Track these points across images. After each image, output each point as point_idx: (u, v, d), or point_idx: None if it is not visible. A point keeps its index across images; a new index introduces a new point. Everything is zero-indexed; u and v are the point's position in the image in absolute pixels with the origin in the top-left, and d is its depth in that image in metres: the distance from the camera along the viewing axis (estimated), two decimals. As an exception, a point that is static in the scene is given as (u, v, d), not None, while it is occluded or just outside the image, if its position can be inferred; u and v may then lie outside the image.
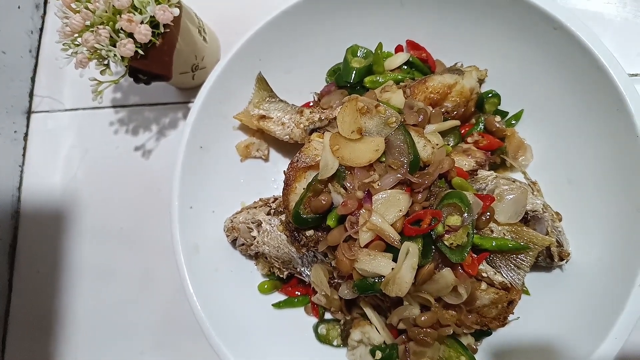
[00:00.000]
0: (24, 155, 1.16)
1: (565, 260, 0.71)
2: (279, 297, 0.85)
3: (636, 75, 0.82)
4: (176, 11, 0.82)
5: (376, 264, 0.63)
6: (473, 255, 0.65)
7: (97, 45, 0.79)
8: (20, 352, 1.06)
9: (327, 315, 0.83)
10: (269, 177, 0.92)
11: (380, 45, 0.81)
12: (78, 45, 0.84)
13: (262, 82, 0.87)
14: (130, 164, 1.07)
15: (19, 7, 1.14)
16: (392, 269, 0.62)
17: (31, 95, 1.18)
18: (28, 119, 1.17)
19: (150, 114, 1.07)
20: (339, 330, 0.80)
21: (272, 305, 0.83)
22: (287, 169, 0.71)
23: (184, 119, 1.05)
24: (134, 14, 0.80)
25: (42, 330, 1.05)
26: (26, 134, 1.16)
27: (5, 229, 1.11)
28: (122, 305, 1.02)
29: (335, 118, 0.78)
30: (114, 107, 1.10)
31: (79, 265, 1.06)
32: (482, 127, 0.79)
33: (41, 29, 1.20)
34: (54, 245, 1.08)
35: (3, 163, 1.11)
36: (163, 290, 1.00)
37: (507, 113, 0.81)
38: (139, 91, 1.09)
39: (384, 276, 0.62)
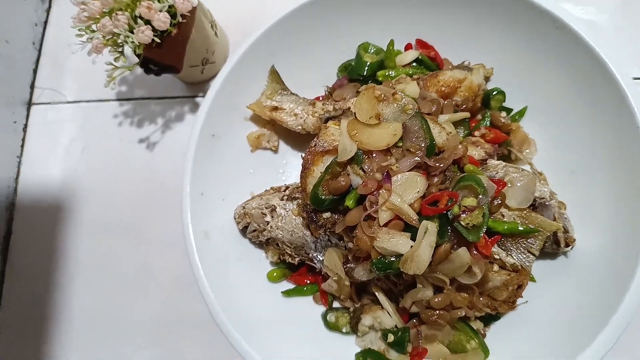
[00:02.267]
0: (22, 146, 1.14)
1: (570, 246, 0.74)
2: (288, 285, 0.85)
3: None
4: (195, 1, 0.84)
5: (395, 242, 0.64)
6: (486, 237, 0.68)
7: (116, 30, 0.80)
8: (12, 347, 1.02)
9: (336, 304, 0.84)
10: (278, 168, 0.93)
11: (392, 42, 0.85)
12: (93, 31, 0.85)
13: (274, 75, 0.89)
14: (133, 157, 1.06)
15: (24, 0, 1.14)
16: (411, 247, 0.64)
17: (32, 86, 1.17)
18: (28, 110, 1.15)
19: (156, 108, 1.08)
20: (348, 317, 0.81)
21: (282, 292, 0.83)
22: (305, 153, 0.73)
23: (191, 113, 1.06)
24: (153, 2, 0.81)
25: (35, 324, 1.02)
26: (25, 125, 1.15)
27: (0, 219, 1.08)
28: (119, 299, 1.00)
29: (348, 109, 0.81)
30: (118, 100, 1.10)
31: (76, 259, 1.04)
32: (488, 122, 0.83)
33: (45, 22, 1.20)
34: (50, 238, 1.06)
35: (0, 153, 1.09)
36: (161, 284, 0.99)
37: (511, 110, 0.85)
38: (145, 85, 1.09)
39: (401, 255, 0.64)
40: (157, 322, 0.97)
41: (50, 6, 1.21)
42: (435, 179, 0.68)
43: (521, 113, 0.84)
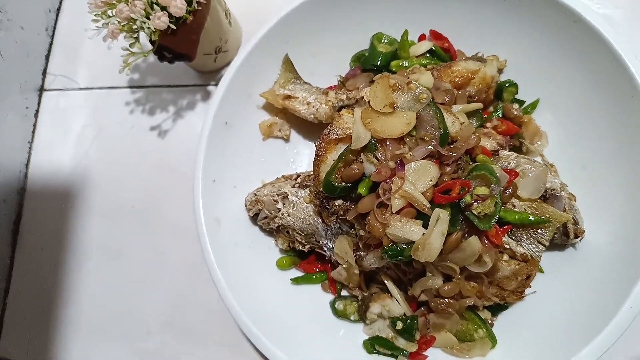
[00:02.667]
0: (33, 132, 1.15)
1: (580, 238, 0.74)
2: (297, 273, 0.86)
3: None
4: (211, -12, 0.84)
5: (407, 229, 0.65)
6: (497, 226, 0.68)
7: (133, 16, 0.81)
8: (19, 331, 1.04)
9: (344, 293, 0.85)
10: (289, 157, 0.94)
11: (406, 32, 0.86)
12: (109, 17, 0.86)
13: (288, 64, 0.89)
14: (144, 143, 1.07)
15: (39, -15, 1.15)
16: (423, 234, 0.64)
17: (44, 73, 1.18)
18: (40, 96, 1.16)
19: (168, 96, 1.09)
20: (357, 305, 0.81)
21: (291, 280, 0.84)
22: (319, 141, 0.74)
23: (202, 102, 1.07)
24: (170, -12, 0.82)
25: (44, 309, 1.03)
26: (37, 111, 1.16)
27: (11, 204, 1.09)
28: (129, 285, 1.01)
29: (361, 98, 0.82)
30: (131, 87, 1.11)
31: (86, 244, 1.05)
32: (501, 114, 0.83)
33: (58, 9, 1.21)
34: (61, 224, 1.07)
35: (12, 139, 1.11)
36: (172, 270, 1.00)
37: (523, 102, 0.85)
38: (157, 72, 1.10)
39: (413, 242, 0.65)
40: (168, 306, 0.98)
41: (64, -7, 1.22)
42: (448, 168, 0.68)
43: (533, 105, 0.85)
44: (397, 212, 0.66)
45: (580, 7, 0.74)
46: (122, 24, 0.84)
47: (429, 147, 0.68)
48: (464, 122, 0.72)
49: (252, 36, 0.87)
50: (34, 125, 1.15)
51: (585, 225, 0.76)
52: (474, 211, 0.65)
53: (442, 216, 0.64)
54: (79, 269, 1.04)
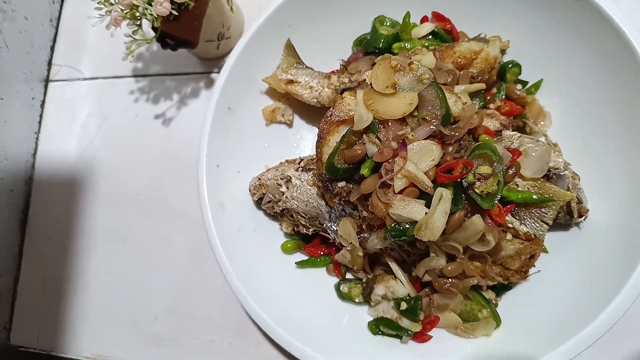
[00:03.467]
0: (40, 122, 1.16)
1: (584, 217, 0.74)
2: (302, 257, 0.87)
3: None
4: (213, -27, 0.84)
5: (410, 209, 0.65)
6: (500, 206, 0.68)
7: (135, 2, 0.81)
8: (29, 317, 1.05)
9: (348, 276, 0.85)
10: (292, 142, 0.94)
11: (408, 14, 0.85)
12: (112, 4, 0.86)
13: (290, 49, 0.89)
14: (149, 131, 1.08)
15: (42, -24, 1.16)
16: (425, 213, 0.64)
17: (50, 63, 1.18)
18: (46, 87, 1.17)
19: (171, 84, 1.09)
20: (361, 288, 0.82)
21: (295, 263, 0.85)
22: (321, 123, 0.74)
23: (206, 89, 1.07)
24: (172, -26, 0.82)
25: (53, 296, 1.05)
26: (43, 102, 1.17)
27: (19, 194, 1.11)
28: (135, 271, 1.02)
29: (364, 81, 0.82)
30: (134, 76, 1.12)
31: (93, 231, 1.06)
32: (504, 94, 0.83)
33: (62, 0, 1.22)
34: (68, 212, 1.09)
35: (19, 129, 1.12)
36: (177, 256, 1.01)
37: (527, 82, 0.85)
38: (161, 61, 1.11)
39: (416, 222, 0.65)
40: (174, 292, 0.99)
41: (67, -17, 1.22)
42: (450, 148, 0.68)
43: (537, 86, 0.84)
44: (400, 192, 0.66)
45: (583, -16, 0.73)
46: (124, 11, 0.85)
47: (431, 127, 0.68)
48: (466, 102, 0.72)
49: (254, 22, 0.87)
50: (40, 115, 1.16)
51: (589, 204, 0.76)
52: (476, 190, 0.65)
53: (444, 195, 0.64)
54: (86, 256, 1.05)
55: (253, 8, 1.07)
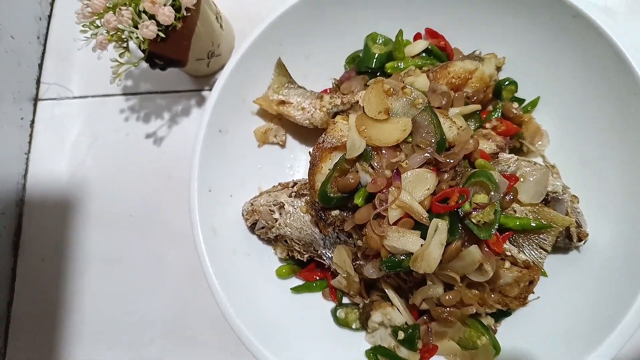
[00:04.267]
0: (30, 142, 1.14)
1: (583, 241, 0.72)
2: (297, 281, 0.85)
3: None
4: (199, -6, 0.82)
5: (405, 240, 0.63)
6: (497, 234, 0.67)
7: (120, 26, 0.79)
8: (24, 341, 1.04)
9: (345, 300, 0.84)
10: (286, 163, 0.92)
11: (400, 32, 0.83)
12: (97, 27, 0.84)
13: (281, 68, 0.87)
14: (140, 151, 1.06)
15: (28, -7, 1.13)
16: (421, 245, 0.63)
17: (38, 82, 1.16)
18: (35, 106, 1.15)
19: (162, 102, 1.07)
20: (358, 313, 0.81)
21: (291, 289, 0.83)
22: (313, 150, 0.72)
23: (197, 107, 1.05)
24: (157, -4, 0.80)
25: (47, 319, 1.03)
26: (32, 121, 1.15)
27: (10, 216, 1.09)
28: (130, 293, 1.01)
29: (357, 102, 0.80)
30: (124, 94, 1.10)
31: (86, 253, 1.05)
32: (500, 113, 0.81)
33: (49, 16, 1.19)
34: (60, 233, 1.07)
35: (9, 150, 1.10)
36: (172, 278, 1.00)
37: (523, 100, 0.83)
38: (151, 79, 1.09)
39: (412, 253, 0.63)
40: (169, 314, 0.98)
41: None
42: (446, 175, 0.67)
43: (533, 104, 0.82)
44: (395, 223, 0.64)
45: (579, 1, 0.71)
46: (110, 34, 0.83)
47: (426, 154, 0.66)
48: (461, 126, 0.70)
49: (244, 40, 0.85)
50: (30, 135, 1.14)
51: (589, 226, 0.74)
52: (473, 220, 0.64)
53: (440, 226, 0.62)
54: (80, 278, 1.04)
55: (243, 22, 1.06)
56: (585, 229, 0.72)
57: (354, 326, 0.80)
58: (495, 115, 0.80)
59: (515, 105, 0.81)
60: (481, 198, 0.64)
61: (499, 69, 0.82)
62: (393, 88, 0.69)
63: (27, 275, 1.08)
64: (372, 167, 0.67)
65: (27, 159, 1.14)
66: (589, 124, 0.77)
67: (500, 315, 0.75)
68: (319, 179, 0.71)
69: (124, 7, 0.79)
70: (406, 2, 0.84)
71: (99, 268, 1.03)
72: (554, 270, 0.75)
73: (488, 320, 0.75)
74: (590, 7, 0.71)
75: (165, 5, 0.80)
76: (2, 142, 1.08)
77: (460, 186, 0.66)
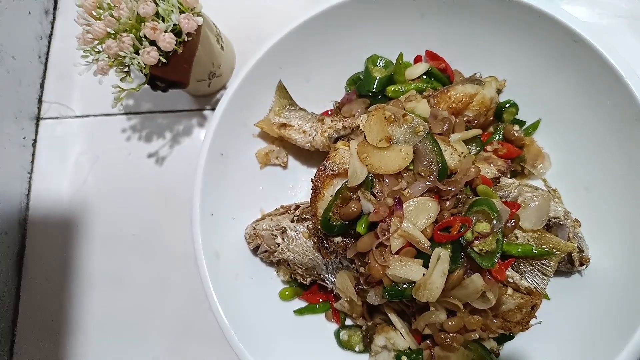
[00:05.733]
0: (32, 162, 1.14)
1: (585, 265, 0.73)
2: (300, 303, 0.85)
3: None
4: (200, 20, 0.82)
5: (407, 269, 0.64)
6: (500, 261, 0.67)
7: (121, 53, 0.80)
8: (29, 361, 1.05)
9: (348, 322, 0.84)
10: (287, 184, 0.93)
11: (401, 55, 0.83)
12: (98, 52, 0.84)
13: (282, 91, 0.88)
14: (142, 170, 1.06)
15: (29, 13, 1.13)
16: (424, 274, 0.63)
17: (40, 101, 1.16)
18: (37, 125, 1.16)
19: (163, 121, 1.07)
20: (361, 336, 0.81)
21: (294, 311, 0.84)
22: (315, 177, 0.72)
23: (199, 127, 1.06)
24: (158, 22, 0.80)
25: (51, 339, 1.04)
26: (35, 141, 1.15)
27: (13, 236, 1.09)
28: (134, 313, 1.01)
29: (358, 126, 0.80)
30: (126, 114, 1.10)
31: (90, 273, 1.05)
32: (501, 136, 0.81)
33: (50, 35, 1.20)
34: (63, 253, 1.07)
35: (11, 169, 1.10)
36: (176, 297, 1.00)
37: (524, 122, 0.83)
38: (152, 98, 1.09)
39: (414, 282, 0.64)
40: (173, 334, 0.98)
41: (54, 18, 1.20)
42: (448, 203, 0.67)
43: (534, 126, 0.82)
44: (397, 252, 0.65)
45: (580, 26, 0.71)
46: (111, 60, 0.83)
47: (427, 182, 0.66)
48: (462, 153, 0.70)
49: (244, 64, 0.85)
50: (32, 155, 1.14)
51: (591, 249, 0.75)
52: (475, 249, 0.64)
53: (442, 255, 0.63)
54: (83, 298, 1.04)
55: (245, 42, 1.06)
56: (587, 253, 0.72)
57: (357, 349, 0.81)
58: (497, 138, 0.81)
59: (517, 127, 0.81)
60: (483, 227, 0.64)
61: (499, 91, 0.83)
62: (394, 115, 0.70)
63: (31, 295, 1.08)
64: (374, 195, 0.68)
65: (30, 178, 1.14)
66: (590, 147, 0.77)
67: (502, 339, 0.75)
68: (321, 206, 0.71)
69: (125, 34, 0.79)
70: (406, 25, 0.85)
71: (102, 288, 1.04)
72: (557, 293, 0.76)
73: (491, 344, 0.75)
74: (591, 32, 0.71)
75: (166, 31, 0.80)
76: (5, 161, 1.08)
77: (462, 214, 0.66)
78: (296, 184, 0.93)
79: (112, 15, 0.80)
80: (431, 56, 0.85)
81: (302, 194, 0.92)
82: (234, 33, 1.07)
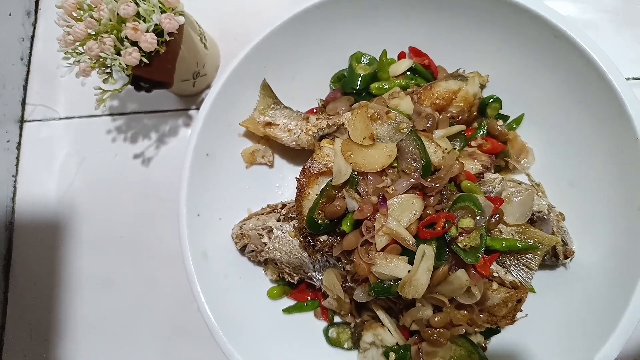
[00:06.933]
0: (17, 165, 1.13)
1: (569, 258, 0.73)
2: (288, 302, 0.86)
3: (629, 79, 0.86)
4: (181, 19, 0.82)
5: (393, 267, 0.64)
6: (484, 256, 0.67)
7: (102, 54, 0.79)
8: (18, 367, 1.04)
9: (337, 319, 0.84)
10: (274, 182, 0.92)
11: (384, 52, 0.83)
12: (80, 53, 0.84)
13: (266, 89, 0.87)
14: (129, 172, 1.06)
15: (10, 15, 1.12)
16: (409, 271, 0.63)
17: (23, 103, 1.15)
18: (21, 127, 1.14)
19: (149, 122, 1.07)
20: (350, 333, 0.81)
21: (282, 310, 0.84)
22: (300, 176, 0.72)
23: (184, 126, 1.05)
24: (139, 23, 0.79)
25: (41, 343, 1.03)
26: (19, 143, 1.14)
27: (0, 240, 1.08)
28: (124, 315, 1.01)
29: (342, 124, 0.80)
30: (111, 115, 1.09)
31: (78, 276, 1.05)
32: (485, 131, 0.81)
33: (32, 37, 1.18)
34: (51, 256, 1.07)
35: (-4, 173, 1.09)
36: (166, 299, 1.00)
37: (508, 117, 0.83)
38: (137, 99, 1.08)
39: (400, 279, 0.64)
40: (163, 336, 0.98)
41: (36, 19, 1.19)
42: (432, 199, 0.67)
43: (518, 121, 0.83)
44: (382, 250, 0.65)
45: (562, 22, 0.72)
46: (93, 62, 0.82)
47: (411, 179, 0.66)
48: (446, 149, 0.71)
49: (228, 64, 0.84)
50: (17, 157, 1.13)
51: (575, 242, 0.75)
52: (459, 244, 0.64)
53: (427, 252, 0.63)
54: (72, 301, 1.04)
55: (229, 41, 1.05)
56: (572, 246, 0.73)
57: (345, 346, 0.81)
58: (481, 133, 0.81)
59: (500, 122, 0.81)
60: (467, 223, 0.64)
61: (483, 86, 0.83)
62: (377, 113, 0.70)
63: (20, 299, 1.07)
64: (359, 193, 0.68)
65: (15, 181, 1.13)
66: (573, 141, 0.77)
67: (489, 332, 0.76)
68: (306, 204, 0.71)
69: (106, 35, 0.79)
70: (390, 22, 0.84)
71: (91, 290, 1.03)
72: (542, 286, 0.76)
73: (478, 338, 0.75)
74: (573, 27, 0.71)
75: (147, 31, 0.80)
76: (-11, 165, 1.08)
77: (447, 210, 0.66)
78: (283, 182, 0.92)
79: (92, 17, 0.79)
80: (415, 52, 0.85)
81: (289, 193, 0.92)
82: (219, 32, 1.06)
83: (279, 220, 0.79)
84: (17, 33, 1.14)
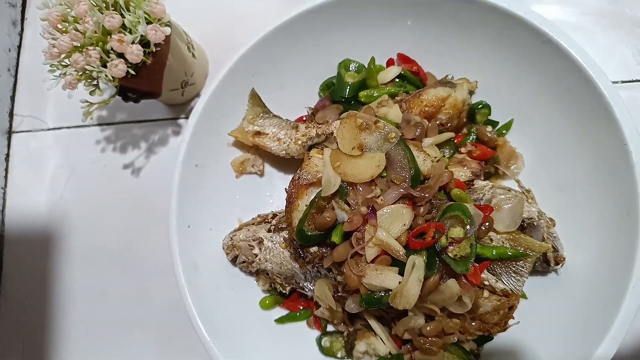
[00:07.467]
0: (6, 177, 1.12)
1: (560, 264, 0.73)
2: (281, 312, 0.85)
3: (616, 83, 0.86)
4: (168, 30, 0.81)
5: (383, 278, 0.64)
6: (475, 264, 0.67)
7: (87, 67, 0.78)
8: (11, 381, 1.03)
9: (330, 328, 0.84)
10: (264, 192, 0.92)
11: (373, 60, 0.83)
12: (66, 66, 0.83)
13: (255, 98, 0.87)
14: (119, 182, 1.05)
15: (-5, 25, 1.11)
16: (399, 282, 0.63)
17: (11, 114, 1.14)
18: (9, 139, 1.13)
19: (138, 131, 1.06)
20: (343, 342, 0.81)
21: (275, 320, 0.83)
22: (289, 187, 0.72)
23: (174, 136, 1.04)
24: (125, 34, 0.79)
25: (33, 356, 1.02)
26: (7, 155, 1.13)
27: (-10, 253, 1.07)
28: (116, 327, 1.00)
29: (332, 133, 0.79)
30: (100, 125, 1.08)
31: (69, 288, 1.04)
32: (475, 137, 0.81)
33: (19, 47, 1.17)
34: (42, 269, 1.06)
35: (-16, 186, 1.08)
36: (158, 310, 0.99)
37: (497, 123, 0.83)
38: (126, 108, 1.07)
39: (391, 290, 0.64)
40: (157, 347, 0.97)
41: (22, 29, 1.18)
42: (422, 209, 0.67)
43: (507, 126, 0.83)
44: (372, 261, 0.64)
45: (549, 27, 0.72)
46: (79, 73, 0.81)
47: (401, 190, 0.66)
48: (435, 157, 0.70)
49: (216, 74, 0.84)
50: (6, 169, 1.12)
51: (566, 247, 0.75)
52: (450, 254, 0.64)
53: (417, 263, 0.63)
54: (64, 314, 1.03)
55: (218, 50, 1.04)
56: (562, 252, 0.73)
57: (339, 355, 0.81)
58: (470, 139, 0.81)
59: (489, 128, 0.81)
60: (457, 232, 0.64)
61: (472, 92, 0.83)
62: (366, 122, 0.69)
63: (11, 312, 1.06)
64: (348, 204, 0.67)
65: (4, 193, 1.12)
66: (562, 146, 0.77)
67: (482, 340, 0.76)
68: (295, 216, 0.70)
69: (92, 47, 0.78)
70: (378, 29, 0.84)
71: (83, 303, 1.02)
72: (534, 293, 0.76)
73: (470, 345, 0.75)
74: (559, 32, 0.71)
75: (133, 43, 0.79)
76: (-22, 178, 1.07)
77: (436, 220, 0.66)
78: (273, 191, 0.92)
79: (77, 29, 0.78)
80: (403, 59, 0.85)
81: (279, 201, 0.91)
82: (207, 41, 1.05)
83: (269, 231, 0.79)
84: (3, 43, 1.13)
